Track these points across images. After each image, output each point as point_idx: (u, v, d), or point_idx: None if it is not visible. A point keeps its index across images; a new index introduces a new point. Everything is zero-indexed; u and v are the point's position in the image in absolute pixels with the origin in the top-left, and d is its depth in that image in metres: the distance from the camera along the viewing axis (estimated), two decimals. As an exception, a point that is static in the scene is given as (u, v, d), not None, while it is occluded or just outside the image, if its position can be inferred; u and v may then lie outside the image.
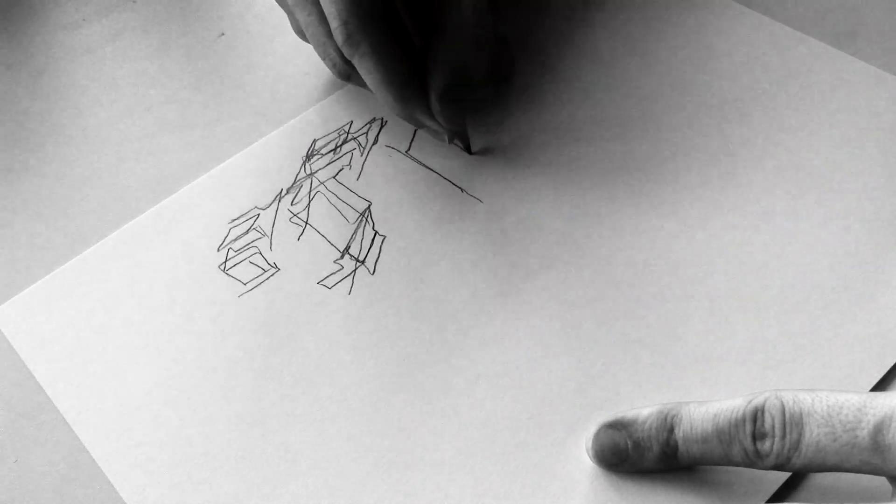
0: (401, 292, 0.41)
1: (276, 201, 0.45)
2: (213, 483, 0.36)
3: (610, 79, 0.48)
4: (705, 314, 0.39)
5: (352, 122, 0.48)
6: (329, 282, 0.42)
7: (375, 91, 0.42)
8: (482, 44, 0.44)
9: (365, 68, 0.41)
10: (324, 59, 0.44)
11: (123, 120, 0.49)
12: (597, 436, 0.35)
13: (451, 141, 0.45)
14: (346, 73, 0.44)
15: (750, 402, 0.32)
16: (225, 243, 0.44)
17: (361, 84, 0.44)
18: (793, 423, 0.31)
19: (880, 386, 0.36)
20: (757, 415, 0.31)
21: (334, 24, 0.41)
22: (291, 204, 0.45)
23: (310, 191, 0.45)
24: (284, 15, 0.54)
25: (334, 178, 0.46)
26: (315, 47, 0.44)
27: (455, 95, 0.43)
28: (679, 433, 0.33)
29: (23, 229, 0.45)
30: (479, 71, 0.45)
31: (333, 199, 0.45)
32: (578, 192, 0.44)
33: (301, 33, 0.47)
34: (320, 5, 0.42)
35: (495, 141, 0.46)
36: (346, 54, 0.41)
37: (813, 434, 0.30)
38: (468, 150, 0.46)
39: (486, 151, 0.46)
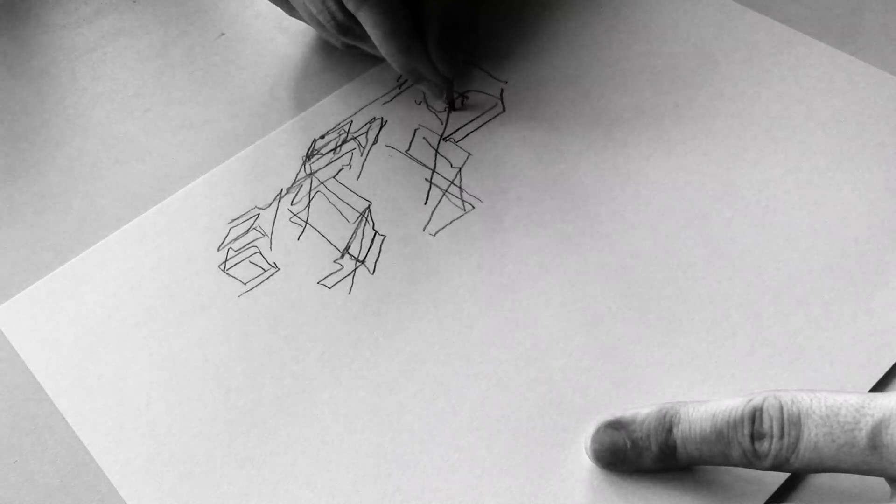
0: (401, 292, 0.41)
1: (276, 201, 0.45)
2: (213, 483, 0.36)
3: (609, 79, 0.48)
4: (705, 314, 0.39)
5: (352, 122, 0.48)
6: (329, 282, 0.42)
7: (380, 42, 0.44)
8: None
9: (372, 20, 0.43)
10: (319, 13, 0.45)
11: (123, 120, 0.50)
12: (596, 435, 0.35)
13: (448, 96, 0.47)
14: (346, 27, 0.46)
15: (748, 402, 0.32)
16: (225, 243, 0.44)
17: (358, 38, 0.46)
18: (791, 423, 0.31)
19: (879, 386, 0.36)
20: (755, 415, 0.31)
21: None
22: (291, 204, 0.45)
23: (310, 191, 0.45)
24: (284, 15, 0.54)
25: (334, 177, 0.46)
26: (310, 2, 0.45)
27: (449, 43, 0.46)
28: (677, 433, 0.33)
29: (23, 229, 0.45)
30: (468, 15, 0.48)
31: (333, 199, 0.45)
32: (578, 192, 0.44)
33: None
34: None
35: (494, 143, 0.46)
36: (352, 6, 0.43)
37: (811, 434, 0.30)
38: (451, 104, 0.48)
39: (466, 108, 0.48)
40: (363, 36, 0.46)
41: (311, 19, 0.47)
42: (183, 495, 0.36)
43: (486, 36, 0.51)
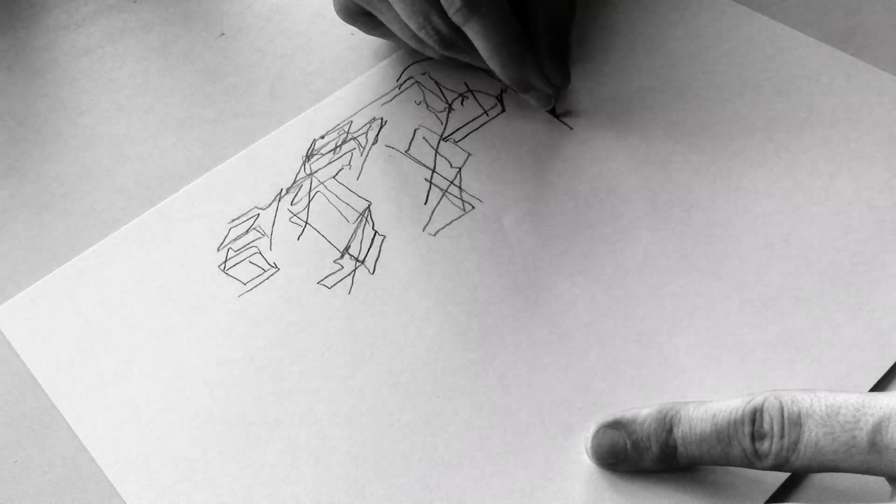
0: (401, 292, 0.41)
1: (276, 201, 0.45)
2: (213, 483, 0.36)
3: (608, 79, 0.48)
4: (705, 314, 0.39)
5: (352, 122, 0.48)
6: (329, 282, 0.42)
7: (490, 55, 0.42)
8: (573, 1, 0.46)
9: (482, 31, 0.41)
10: (420, 29, 0.43)
11: (123, 120, 0.50)
12: (596, 435, 0.35)
13: (555, 104, 0.46)
14: (450, 41, 0.43)
15: (749, 402, 0.32)
16: (225, 243, 0.44)
17: (462, 52, 0.44)
18: (791, 423, 0.31)
19: (880, 386, 0.36)
20: (756, 415, 0.31)
21: None
22: (291, 204, 0.45)
23: (310, 191, 0.45)
24: (284, 15, 0.54)
25: (334, 177, 0.46)
26: (410, 18, 0.43)
27: (559, 52, 0.44)
28: (678, 433, 0.33)
29: (23, 229, 0.45)
30: (570, 21, 0.46)
31: (333, 199, 0.45)
32: (577, 192, 0.44)
33: (347, 10, 0.46)
34: None
35: (494, 143, 0.46)
36: (459, 19, 0.41)
37: (811, 434, 0.30)
38: (554, 112, 0.47)
39: (567, 114, 0.47)
40: (468, 48, 0.43)
41: (409, 35, 0.45)
42: (183, 495, 0.36)
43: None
